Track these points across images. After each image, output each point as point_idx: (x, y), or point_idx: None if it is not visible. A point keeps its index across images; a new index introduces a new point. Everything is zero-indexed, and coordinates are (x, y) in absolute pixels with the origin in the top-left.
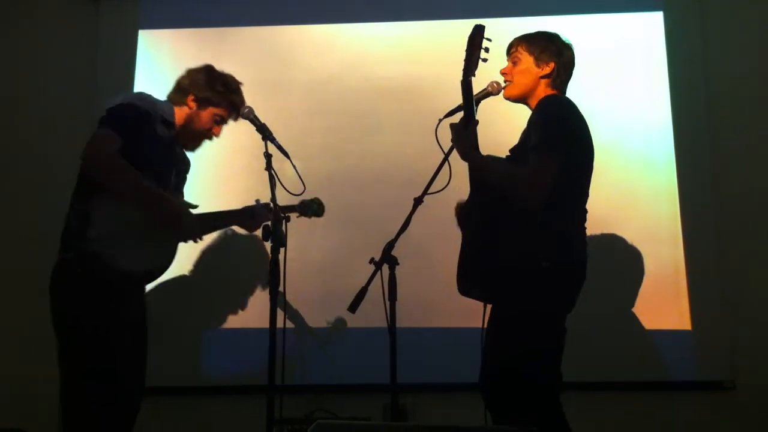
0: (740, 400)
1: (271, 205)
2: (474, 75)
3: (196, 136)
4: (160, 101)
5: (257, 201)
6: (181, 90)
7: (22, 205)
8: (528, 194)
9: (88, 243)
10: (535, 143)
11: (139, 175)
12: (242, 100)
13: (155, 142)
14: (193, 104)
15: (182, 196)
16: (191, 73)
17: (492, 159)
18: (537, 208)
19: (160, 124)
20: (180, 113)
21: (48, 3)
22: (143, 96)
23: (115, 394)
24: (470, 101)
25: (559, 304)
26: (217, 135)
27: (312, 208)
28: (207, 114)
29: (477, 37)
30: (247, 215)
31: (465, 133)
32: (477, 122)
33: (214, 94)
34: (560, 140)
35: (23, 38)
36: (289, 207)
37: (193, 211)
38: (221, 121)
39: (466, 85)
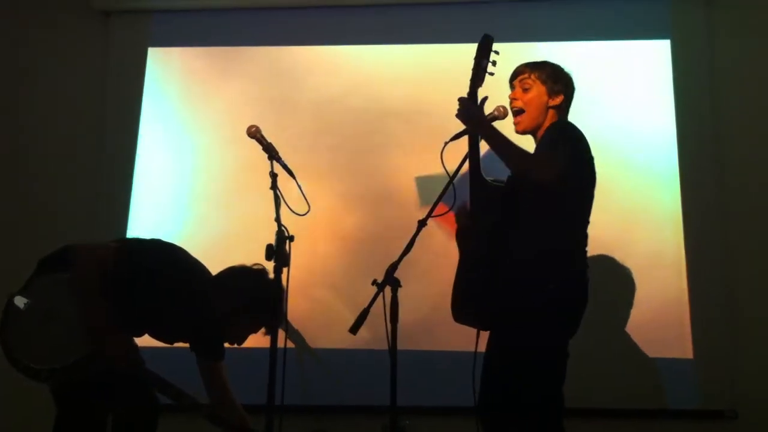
0: (742, 431)
1: None
2: (480, 86)
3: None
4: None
5: None
6: None
7: (31, 219)
8: (542, 171)
9: None
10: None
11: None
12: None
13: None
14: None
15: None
16: None
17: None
18: (552, 184)
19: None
20: None
21: (59, 19)
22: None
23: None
24: None
25: (564, 325)
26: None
27: None
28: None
29: (486, 46)
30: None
31: (475, 106)
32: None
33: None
34: (566, 157)
35: (33, 53)
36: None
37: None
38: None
39: (473, 96)
